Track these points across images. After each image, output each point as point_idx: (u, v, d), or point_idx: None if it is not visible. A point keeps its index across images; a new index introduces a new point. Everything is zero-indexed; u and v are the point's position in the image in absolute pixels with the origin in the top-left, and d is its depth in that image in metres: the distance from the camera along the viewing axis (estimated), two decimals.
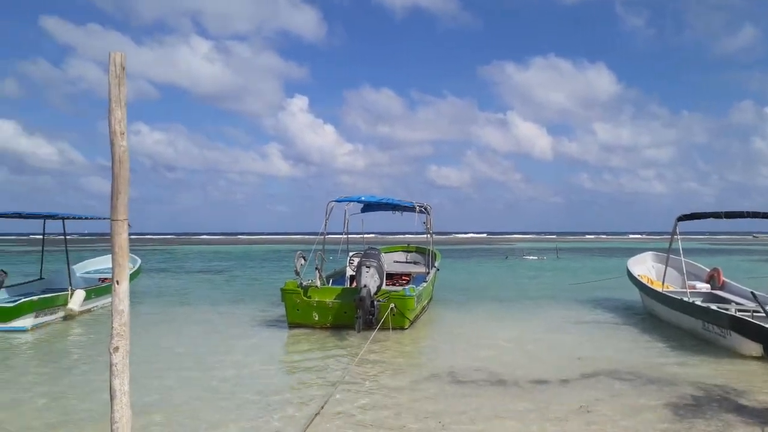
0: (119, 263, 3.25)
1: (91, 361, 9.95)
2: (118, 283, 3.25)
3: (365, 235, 18.88)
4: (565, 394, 7.66)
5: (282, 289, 12.89)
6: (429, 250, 17.26)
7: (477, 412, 6.83)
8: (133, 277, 18.53)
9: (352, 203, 16.33)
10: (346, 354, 10.27)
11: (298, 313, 12.76)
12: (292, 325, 12.87)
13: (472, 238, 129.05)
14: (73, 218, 16.71)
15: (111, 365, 3.24)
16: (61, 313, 14.22)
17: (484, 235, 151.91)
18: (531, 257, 45.12)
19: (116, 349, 3.24)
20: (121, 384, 3.25)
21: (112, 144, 3.20)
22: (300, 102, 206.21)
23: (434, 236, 17.22)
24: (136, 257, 20.53)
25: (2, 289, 14.18)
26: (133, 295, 16.80)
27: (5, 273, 14.17)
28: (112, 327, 3.27)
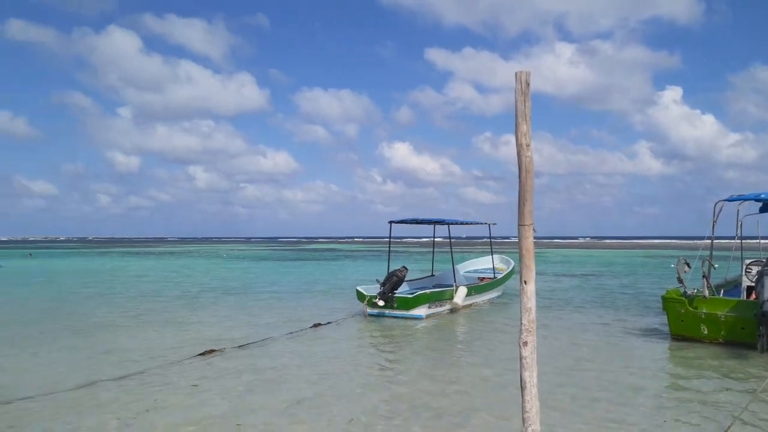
0: (526, 265, 3.52)
1: (472, 351, 11.04)
2: (525, 283, 3.53)
3: (762, 240, 15.89)
4: None
5: (663, 297, 11.90)
6: None
7: None
8: (506, 278, 19.79)
9: (746, 202, 13.95)
10: (745, 377, 8.83)
11: (683, 325, 11.58)
12: (675, 337, 11.77)
13: None
14: (457, 224, 18.89)
15: (521, 358, 3.54)
16: (447, 306, 16.18)
17: None
18: None
19: (525, 343, 3.52)
20: (530, 376, 3.52)
21: (519, 155, 3.52)
22: (672, 93, 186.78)
23: None
24: (510, 259, 21.88)
25: (404, 283, 16.88)
26: (506, 296, 17.80)
27: (406, 269, 16.84)
28: (521, 323, 3.57)
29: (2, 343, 11.68)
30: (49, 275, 33.95)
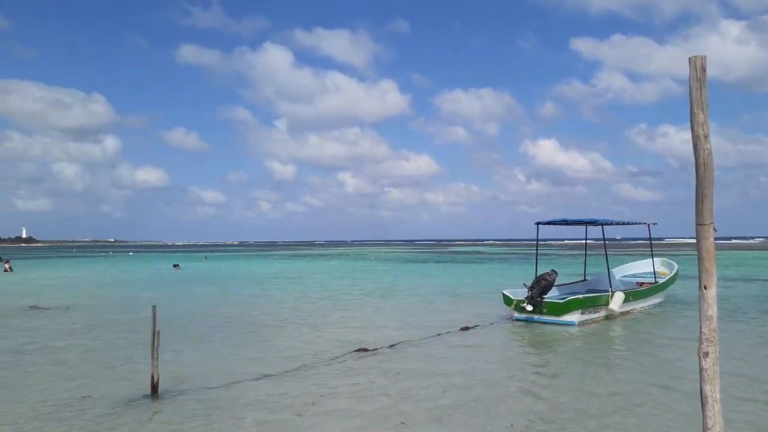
0: (706, 268, 3.20)
1: (633, 361, 10.22)
2: (705, 289, 3.21)
3: None
4: None
5: None
6: None
7: None
8: (669, 283, 18.19)
9: None
10: None
11: None
12: None
13: None
14: (611, 224, 17.74)
15: (701, 370, 3.22)
16: (602, 313, 15.23)
17: None
18: None
19: (706, 354, 3.20)
20: (713, 390, 3.19)
21: (695, 147, 3.21)
22: None
23: None
24: (673, 262, 20.09)
25: (554, 287, 16.20)
26: (669, 303, 16.29)
27: (556, 273, 16.14)
28: (701, 332, 3.25)
29: (179, 337, 13.13)
30: (220, 276, 37.67)
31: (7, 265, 43.46)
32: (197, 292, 24.92)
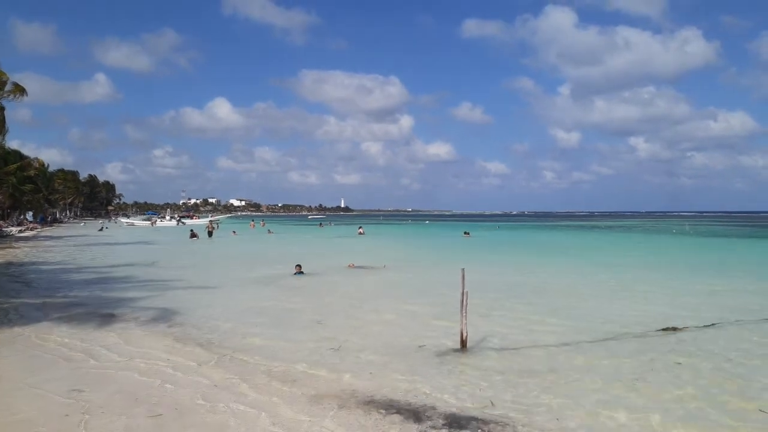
0: None
1: None
2: None
3: None
4: None
5: None
6: None
7: None
8: None
9: None
10: None
11: None
12: None
13: None
14: None
15: None
16: None
17: None
18: None
19: None
20: None
21: None
22: None
23: None
24: None
25: None
26: None
27: None
28: None
29: (481, 300, 13.67)
30: (507, 245, 38.49)
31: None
32: (488, 259, 25.98)
